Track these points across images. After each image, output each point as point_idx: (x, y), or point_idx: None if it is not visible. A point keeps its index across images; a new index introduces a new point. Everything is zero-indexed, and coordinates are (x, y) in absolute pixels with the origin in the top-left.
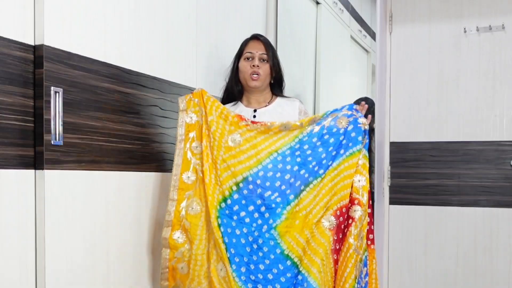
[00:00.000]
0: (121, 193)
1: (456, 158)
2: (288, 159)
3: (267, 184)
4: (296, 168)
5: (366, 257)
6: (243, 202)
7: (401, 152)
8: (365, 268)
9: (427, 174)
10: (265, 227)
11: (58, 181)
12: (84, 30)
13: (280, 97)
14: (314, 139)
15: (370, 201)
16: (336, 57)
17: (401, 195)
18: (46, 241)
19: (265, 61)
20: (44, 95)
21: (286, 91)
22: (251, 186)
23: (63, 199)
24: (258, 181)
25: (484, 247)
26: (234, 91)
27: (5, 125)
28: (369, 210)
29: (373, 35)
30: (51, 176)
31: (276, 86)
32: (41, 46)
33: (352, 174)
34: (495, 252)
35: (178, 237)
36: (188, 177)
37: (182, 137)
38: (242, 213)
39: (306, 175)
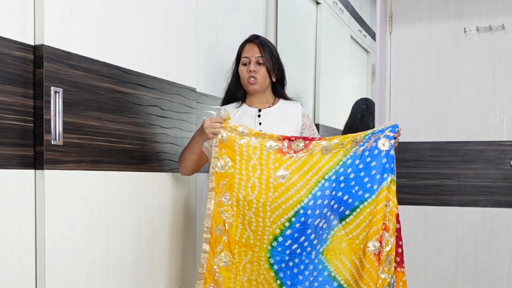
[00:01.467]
0: (121, 193)
1: (456, 158)
2: (334, 184)
3: (317, 212)
4: (340, 194)
5: (393, 280)
6: (296, 235)
7: (401, 152)
8: None
9: (427, 174)
10: (314, 253)
11: (58, 181)
12: (84, 30)
13: (282, 99)
14: (357, 161)
15: (398, 224)
16: (336, 57)
17: (401, 195)
18: (46, 241)
19: (262, 64)
20: (44, 95)
21: (286, 92)
22: (303, 219)
23: (63, 199)
24: (309, 211)
25: (484, 247)
26: (236, 95)
27: (5, 125)
28: (396, 234)
29: (373, 35)
30: (51, 176)
31: (278, 85)
32: (41, 46)
33: (385, 206)
34: (495, 252)
35: None
36: (219, 229)
37: (212, 186)
38: (294, 246)
39: (350, 200)
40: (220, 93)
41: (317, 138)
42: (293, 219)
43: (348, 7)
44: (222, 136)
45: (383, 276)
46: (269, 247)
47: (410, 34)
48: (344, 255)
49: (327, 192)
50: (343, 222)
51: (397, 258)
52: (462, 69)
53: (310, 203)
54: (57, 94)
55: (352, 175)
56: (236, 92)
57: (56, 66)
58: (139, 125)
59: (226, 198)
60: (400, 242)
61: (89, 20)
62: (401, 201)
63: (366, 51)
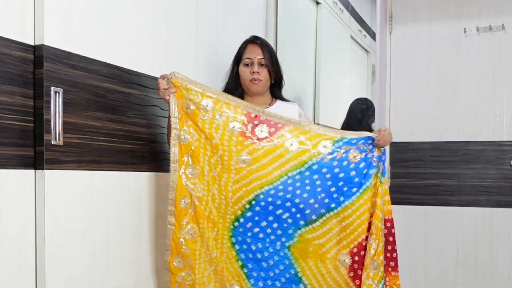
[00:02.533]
0: (121, 193)
1: (456, 158)
2: (298, 184)
3: (278, 202)
4: (305, 195)
5: (382, 285)
6: (256, 218)
7: (401, 152)
8: None
9: (427, 174)
10: (279, 243)
11: (58, 181)
12: (84, 30)
13: (279, 100)
14: (324, 170)
15: (393, 229)
16: (336, 57)
17: (401, 195)
18: (46, 241)
19: (264, 65)
20: (44, 95)
21: (286, 92)
22: (263, 203)
23: (63, 199)
24: (270, 199)
25: (484, 247)
26: (234, 95)
27: (5, 125)
28: (391, 239)
29: (373, 35)
30: (51, 176)
31: (276, 87)
32: (41, 46)
33: (367, 210)
34: (495, 252)
35: (179, 262)
36: (185, 202)
37: (176, 158)
38: (256, 229)
39: (316, 205)
40: None
41: (283, 128)
42: (253, 202)
43: (348, 7)
44: (188, 107)
45: (368, 282)
46: (231, 227)
47: (410, 34)
48: (311, 260)
49: (290, 188)
50: (310, 227)
51: (391, 262)
52: (462, 69)
53: (271, 192)
54: (57, 94)
55: (318, 182)
56: (234, 92)
57: (56, 66)
58: (139, 125)
59: (192, 171)
60: (395, 246)
61: (89, 20)
62: (401, 201)
63: (366, 51)
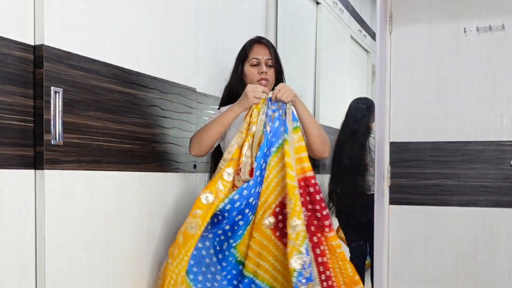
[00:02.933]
0: (121, 193)
1: (456, 158)
2: (251, 182)
3: (234, 213)
4: (258, 188)
5: (306, 245)
6: (214, 225)
7: (401, 152)
8: (308, 257)
9: (427, 174)
10: (226, 244)
11: (58, 181)
12: (84, 30)
13: None
14: (265, 150)
15: (312, 188)
16: (336, 57)
17: (401, 195)
18: (46, 241)
19: (271, 66)
20: (44, 95)
21: None
22: (220, 217)
23: (63, 199)
24: (226, 214)
25: (484, 247)
26: (239, 93)
27: (5, 125)
28: (308, 198)
29: (373, 35)
30: (51, 176)
31: (275, 87)
32: (41, 46)
33: (283, 168)
34: (495, 252)
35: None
36: (206, 199)
37: (228, 157)
38: (210, 235)
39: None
40: (220, 93)
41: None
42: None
43: (348, 7)
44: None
45: (291, 244)
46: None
47: (410, 34)
48: (247, 239)
49: (245, 192)
50: (254, 212)
51: (315, 222)
52: (462, 69)
53: (227, 207)
54: (57, 94)
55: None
56: (239, 90)
57: (56, 66)
58: (139, 125)
59: (229, 173)
60: (316, 206)
61: (89, 20)
62: (401, 201)
63: (366, 51)
